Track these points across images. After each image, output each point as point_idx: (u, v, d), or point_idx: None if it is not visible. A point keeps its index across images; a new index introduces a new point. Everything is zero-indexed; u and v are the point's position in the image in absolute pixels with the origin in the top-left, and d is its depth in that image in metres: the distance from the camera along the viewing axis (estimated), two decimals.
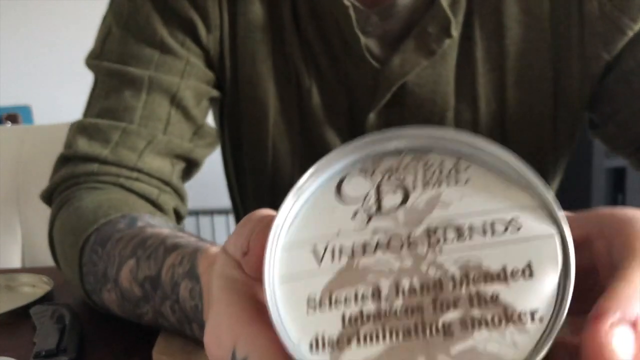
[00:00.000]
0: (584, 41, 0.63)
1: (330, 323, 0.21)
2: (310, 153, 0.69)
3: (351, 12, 0.62)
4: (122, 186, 0.61)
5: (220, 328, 0.24)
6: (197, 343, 0.45)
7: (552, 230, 0.22)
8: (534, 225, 0.22)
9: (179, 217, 0.67)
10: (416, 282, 0.21)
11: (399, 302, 0.21)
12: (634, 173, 1.80)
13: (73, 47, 1.60)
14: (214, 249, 0.44)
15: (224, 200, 1.37)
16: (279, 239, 0.23)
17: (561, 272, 0.21)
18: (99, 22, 0.68)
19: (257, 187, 0.73)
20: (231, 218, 2.04)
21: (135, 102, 0.63)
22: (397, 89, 0.64)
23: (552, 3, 0.63)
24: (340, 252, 0.22)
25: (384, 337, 0.21)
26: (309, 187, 0.24)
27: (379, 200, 0.24)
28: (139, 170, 0.62)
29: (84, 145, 0.62)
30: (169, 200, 0.64)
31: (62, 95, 1.91)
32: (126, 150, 0.62)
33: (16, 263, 1.06)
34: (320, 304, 0.22)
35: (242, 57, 0.66)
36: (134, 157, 0.62)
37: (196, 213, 2.04)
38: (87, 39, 0.74)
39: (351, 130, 0.68)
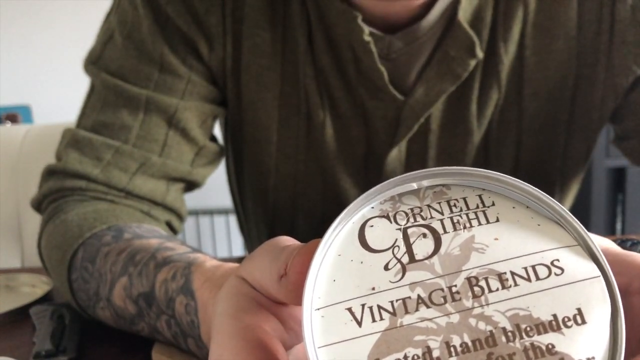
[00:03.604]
0: (612, 49, 0.61)
1: None
2: (314, 181, 0.67)
3: (372, 47, 0.58)
4: (111, 202, 0.60)
5: None
6: (194, 356, 0.45)
7: (595, 271, 0.21)
8: (577, 266, 0.22)
9: (173, 231, 0.65)
10: (467, 339, 0.20)
11: None
12: (634, 173, 1.80)
13: (73, 47, 1.60)
14: (209, 264, 0.44)
15: (224, 200, 1.37)
16: (318, 275, 0.22)
17: (612, 314, 0.21)
18: (99, 22, 0.67)
19: (257, 205, 0.72)
20: (231, 218, 2.04)
21: (131, 121, 0.61)
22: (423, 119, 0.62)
23: (580, 7, 0.60)
24: (380, 311, 0.21)
25: None
26: (337, 237, 0.23)
27: (409, 248, 0.22)
28: (129, 192, 0.60)
29: (74, 161, 0.60)
30: (160, 215, 0.63)
31: (62, 95, 1.90)
32: (117, 170, 0.60)
33: (16, 263, 1.06)
34: None
35: (246, 82, 0.64)
36: (124, 179, 0.60)
37: (196, 213, 2.04)
38: (87, 39, 0.73)
39: (367, 163, 0.66)
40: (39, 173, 0.63)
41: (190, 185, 0.66)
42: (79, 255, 0.53)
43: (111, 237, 0.52)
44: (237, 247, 2.11)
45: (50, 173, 0.62)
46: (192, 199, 0.72)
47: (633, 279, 0.23)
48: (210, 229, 2.11)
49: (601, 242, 0.24)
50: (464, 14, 0.59)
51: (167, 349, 0.48)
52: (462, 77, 0.60)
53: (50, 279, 0.64)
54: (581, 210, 1.80)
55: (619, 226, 1.87)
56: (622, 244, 0.53)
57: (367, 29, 0.58)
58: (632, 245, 0.52)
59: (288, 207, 0.69)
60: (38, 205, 0.63)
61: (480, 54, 0.60)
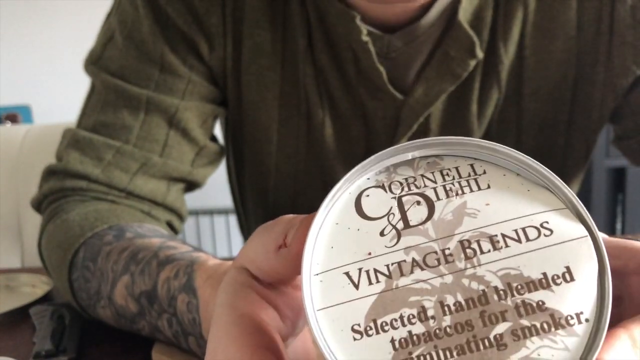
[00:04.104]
0: (611, 50, 0.61)
1: (380, 349, 0.21)
2: (314, 180, 0.67)
3: (370, 46, 0.58)
4: (112, 202, 0.60)
5: (217, 350, 0.24)
6: (194, 355, 0.45)
7: (583, 231, 0.22)
8: (565, 227, 0.22)
9: (174, 231, 0.65)
10: (460, 298, 0.21)
11: (447, 320, 0.21)
12: (634, 173, 1.80)
13: (73, 47, 1.60)
14: (211, 262, 0.44)
15: (224, 200, 1.37)
16: (316, 242, 0.23)
17: (599, 271, 0.21)
18: (99, 22, 0.67)
19: (257, 205, 0.72)
20: (231, 218, 2.04)
21: (132, 121, 0.61)
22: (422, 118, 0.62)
23: (579, 8, 0.60)
24: (376, 274, 0.22)
25: (438, 357, 0.20)
26: (334, 205, 0.24)
27: (404, 215, 0.23)
28: (129, 193, 0.61)
29: (75, 161, 0.60)
30: (160, 215, 0.63)
31: (62, 95, 1.90)
32: (118, 171, 0.60)
33: (16, 263, 1.06)
34: (366, 331, 0.21)
35: (247, 81, 0.64)
36: (125, 179, 0.60)
37: (196, 213, 2.04)
38: (87, 39, 0.73)
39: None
40: (39, 173, 0.63)
41: (191, 185, 0.66)
42: (80, 255, 0.53)
43: (113, 237, 0.53)
44: (237, 247, 2.11)
45: (50, 173, 0.62)
46: (192, 199, 0.72)
47: (628, 260, 0.24)
48: (210, 229, 2.11)
49: None
50: (464, 14, 0.59)
51: (167, 349, 0.48)
52: (462, 77, 0.60)
53: (50, 278, 0.64)
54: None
55: (619, 226, 1.87)
56: None
57: (365, 29, 0.58)
58: None
59: (288, 206, 0.70)
60: (38, 205, 0.63)
61: (480, 54, 0.60)
